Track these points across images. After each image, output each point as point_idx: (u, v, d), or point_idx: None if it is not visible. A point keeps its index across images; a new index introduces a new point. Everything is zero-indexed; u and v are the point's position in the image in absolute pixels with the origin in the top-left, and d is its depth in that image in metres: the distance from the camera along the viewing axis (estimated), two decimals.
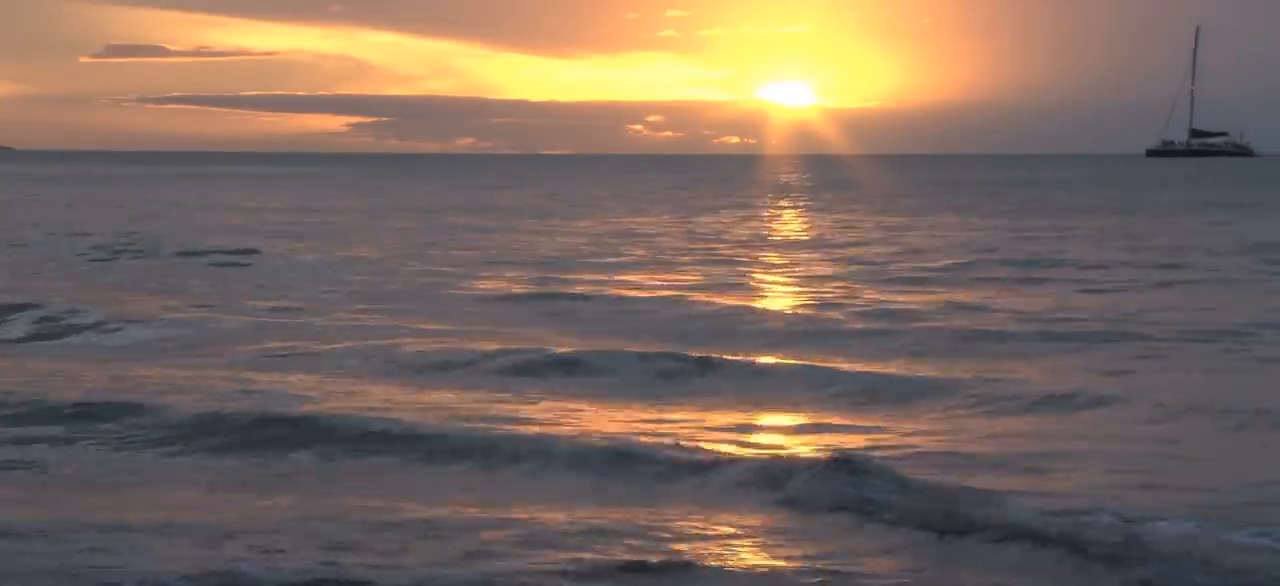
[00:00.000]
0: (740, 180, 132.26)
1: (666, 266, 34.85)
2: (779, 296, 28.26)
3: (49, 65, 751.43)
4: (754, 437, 14.46)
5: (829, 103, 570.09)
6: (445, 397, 16.87)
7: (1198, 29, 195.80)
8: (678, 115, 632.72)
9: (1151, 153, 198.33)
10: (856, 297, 27.19)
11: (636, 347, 20.08)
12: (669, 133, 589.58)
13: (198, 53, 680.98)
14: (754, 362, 19.14)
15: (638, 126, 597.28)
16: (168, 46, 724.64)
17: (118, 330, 23.11)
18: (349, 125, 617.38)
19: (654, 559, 10.08)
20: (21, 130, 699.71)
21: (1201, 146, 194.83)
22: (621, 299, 27.12)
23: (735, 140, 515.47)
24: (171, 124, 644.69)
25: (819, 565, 9.95)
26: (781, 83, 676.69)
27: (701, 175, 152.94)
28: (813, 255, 38.84)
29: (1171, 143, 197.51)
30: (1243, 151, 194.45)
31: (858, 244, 43.29)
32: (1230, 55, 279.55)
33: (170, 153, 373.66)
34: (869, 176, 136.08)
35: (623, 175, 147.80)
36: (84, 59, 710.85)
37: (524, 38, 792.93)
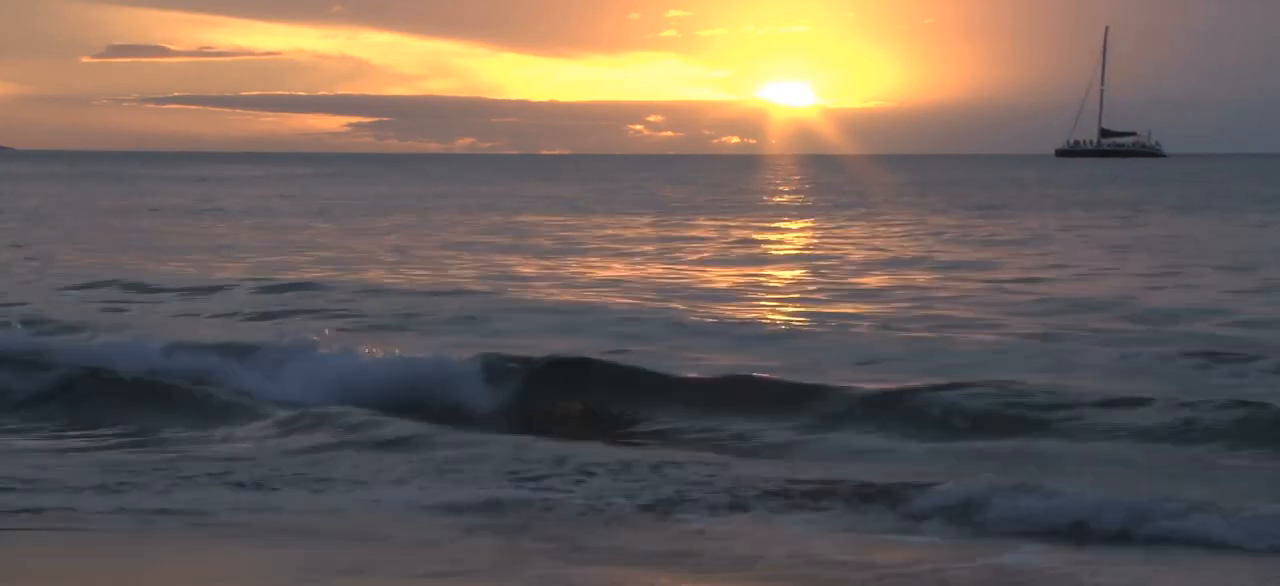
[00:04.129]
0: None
1: None
2: None
3: (50, 65, 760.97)
4: None
5: (829, 103, 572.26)
6: None
7: (1107, 29, 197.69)
8: (678, 115, 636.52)
9: (1061, 152, 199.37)
10: None
11: None
12: (669, 132, 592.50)
13: (199, 53, 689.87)
14: None
15: (638, 126, 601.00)
16: (169, 47, 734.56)
17: None
18: (349, 125, 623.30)
19: None
20: (22, 130, 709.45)
21: (1111, 146, 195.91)
22: None
23: (735, 140, 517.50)
24: (172, 124, 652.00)
25: None
26: (781, 83, 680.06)
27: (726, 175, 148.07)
28: None
29: (1080, 142, 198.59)
30: (1151, 152, 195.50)
31: None
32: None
33: (171, 153, 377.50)
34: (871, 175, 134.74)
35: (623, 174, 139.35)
36: (85, 59, 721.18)
37: (524, 38, 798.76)
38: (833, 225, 51.88)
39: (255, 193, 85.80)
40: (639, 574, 9.54)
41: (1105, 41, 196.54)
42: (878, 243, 41.62)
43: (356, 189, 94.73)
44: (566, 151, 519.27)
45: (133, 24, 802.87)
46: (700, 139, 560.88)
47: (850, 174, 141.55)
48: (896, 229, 48.62)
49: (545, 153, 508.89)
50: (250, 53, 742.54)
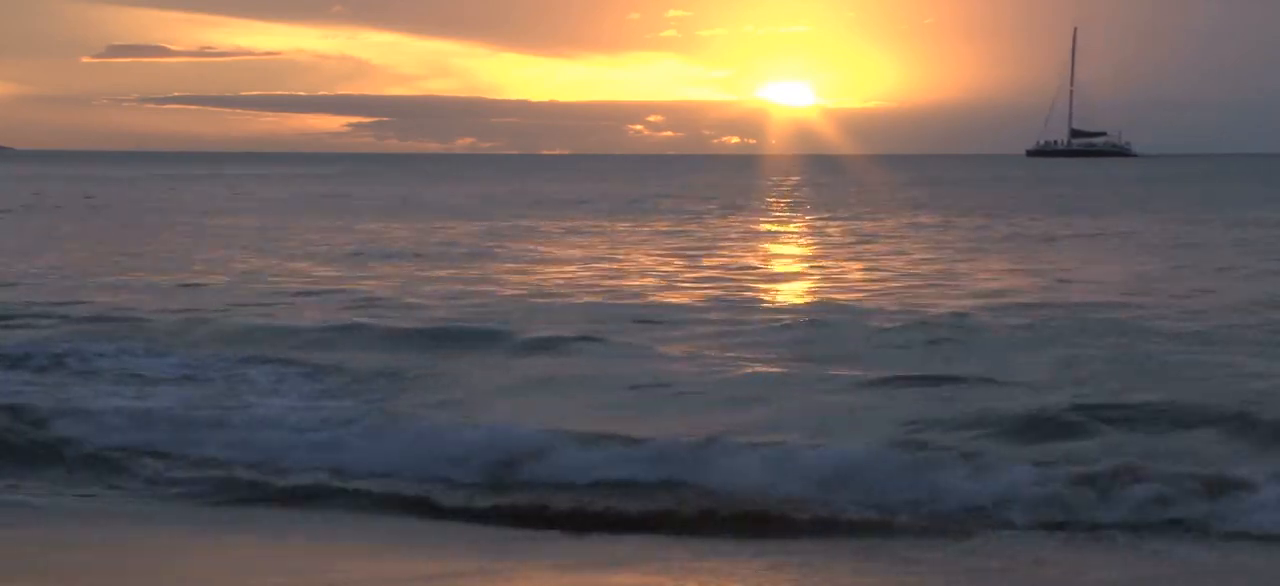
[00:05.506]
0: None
1: None
2: None
3: (50, 65, 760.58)
4: None
5: (829, 103, 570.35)
6: None
7: (1075, 30, 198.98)
8: (678, 115, 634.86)
9: (1032, 152, 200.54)
10: None
11: None
12: (669, 132, 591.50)
13: (199, 53, 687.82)
14: None
15: (638, 126, 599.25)
16: (169, 47, 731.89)
17: None
18: (349, 125, 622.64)
19: None
20: (22, 130, 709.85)
21: (1082, 146, 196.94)
22: None
23: (735, 140, 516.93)
24: (172, 124, 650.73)
25: None
26: (781, 83, 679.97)
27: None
28: None
29: (1052, 142, 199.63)
30: (1121, 151, 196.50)
31: None
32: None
33: (171, 153, 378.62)
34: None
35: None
36: (85, 59, 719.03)
37: (524, 38, 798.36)
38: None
39: (190, 193, 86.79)
40: None
41: (1074, 42, 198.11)
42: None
43: (302, 188, 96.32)
44: (567, 151, 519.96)
45: (133, 24, 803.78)
46: (700, 139, 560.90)
47: (857, 177, 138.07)
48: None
49: (545, 152, 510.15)
50: (250, 53, 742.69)
